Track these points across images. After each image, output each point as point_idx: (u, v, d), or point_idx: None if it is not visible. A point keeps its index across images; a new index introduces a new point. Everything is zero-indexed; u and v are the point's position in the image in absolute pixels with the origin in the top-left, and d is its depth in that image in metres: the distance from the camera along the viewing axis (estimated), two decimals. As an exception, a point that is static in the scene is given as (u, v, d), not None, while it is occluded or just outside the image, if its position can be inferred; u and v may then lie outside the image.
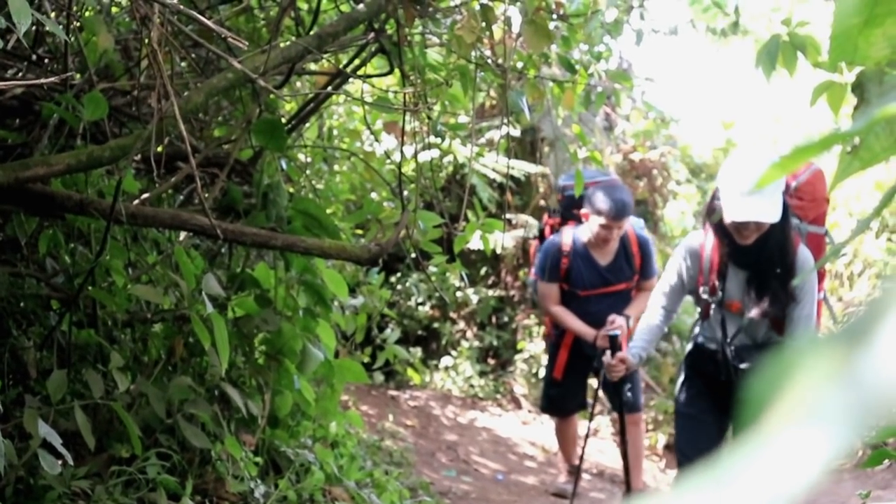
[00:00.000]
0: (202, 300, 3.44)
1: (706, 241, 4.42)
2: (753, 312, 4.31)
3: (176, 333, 3.82)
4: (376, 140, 6.58)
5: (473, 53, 3.82)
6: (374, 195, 7.22)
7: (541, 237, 6.65)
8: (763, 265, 4.20)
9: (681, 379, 4.87)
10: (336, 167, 7.19)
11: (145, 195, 3.38)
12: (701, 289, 4.45)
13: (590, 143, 7.63)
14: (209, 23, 2.71)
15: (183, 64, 4.05)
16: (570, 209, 6.16)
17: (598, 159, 5.88)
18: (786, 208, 4.04)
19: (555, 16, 4.33)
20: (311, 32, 3.79)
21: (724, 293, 4.37)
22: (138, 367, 3.79)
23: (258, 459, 4.13)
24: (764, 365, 0.35)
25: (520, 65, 4.42)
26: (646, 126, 10.94)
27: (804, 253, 4.20)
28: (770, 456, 0.30)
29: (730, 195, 4.04)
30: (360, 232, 6.37)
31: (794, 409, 0.31)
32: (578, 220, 6.06)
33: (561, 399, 6.68)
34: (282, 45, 3.55)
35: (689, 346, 4.83)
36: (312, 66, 4.78)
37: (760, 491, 0.29)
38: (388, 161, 6.54)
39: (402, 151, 4.15)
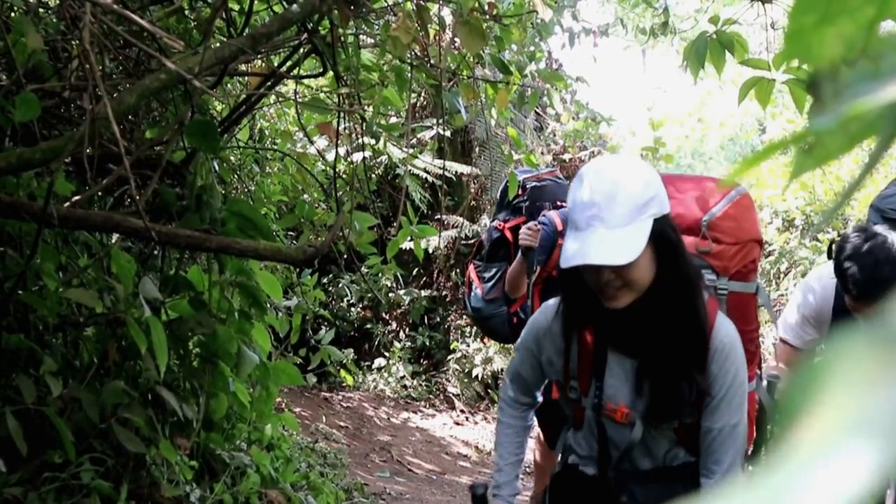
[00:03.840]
0: (138, 303, 3.40)
1: None
2: (645, 421, 2.76)
3: (109, 337, 3.77)
4: (309, 141, 6.56)
5: (408, 54, 3.83)
6: (306, 197, 7.18)
7: (498, 243, 5.92)
8: (656, 347, 2.64)
9: None
10: (268, 169, 7.15)
11: (77, 197, 3.34)
12: (569, 384, 2.86)
13: (523, 145, 7.67)
14: (144, 23, 2.68)
15: (112, 65, 4.00)
16: (536, 202, 5.83)
17: (532, 161, 5.90)
18: (679, 250, 2.55)
19: (487, 16, 4.34)
20: (245, 33, 3.77)
21: (603, 392, 2.76)
22: (71, 372, 3.74)
23: (193, 463, 4.09)
24: (800, 369, 0.32)
25: (453, 66, 4.44)
26: (576, 126, 11.03)
27: (724, 327, 2.65)
28: (815, 470, 0.28)
29: (569, 226, 2.56)
30: (292, 234, 6.34)
31: (834, 417, 0.29)
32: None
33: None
34: (214, 45, 3.52)
35: (555, 468, 3.15)
36: (243, 68, 4.75)
37: None
38: (321, 162, 6.51)
39: (336, 152, 4.14)
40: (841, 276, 3.44)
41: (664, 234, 2.50)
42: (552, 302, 2.89)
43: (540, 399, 3.21)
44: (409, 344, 10.48)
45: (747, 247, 2.97)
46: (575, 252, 2.44)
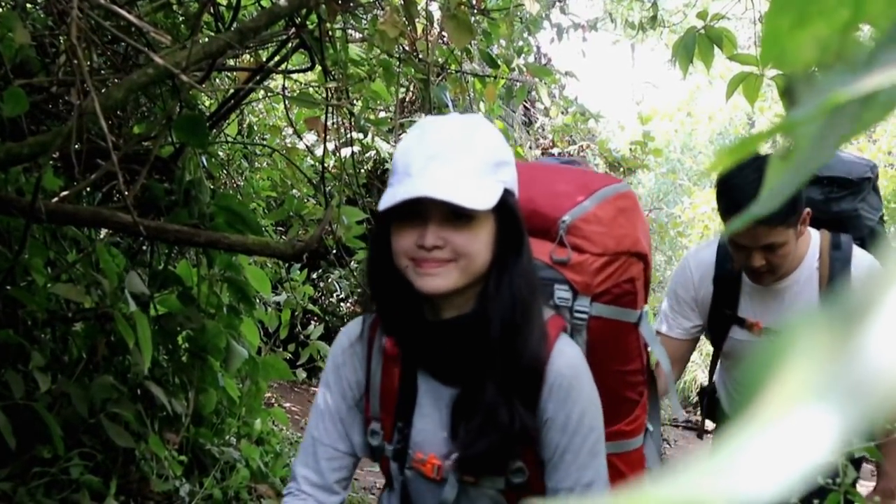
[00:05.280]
0: (125, 298, 3.40)
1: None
2: (460, 476, 2.03)
3: (98, 332, 3.77)
4: (298, 136, 6.56)
5: (396, 48, 3.83)
6: (294, 192, 7.18)
7: None
8: (478, 371, 1.96)
9: None
10: (257, 164, 7.14)
11: (65, 193, 3.33)
12: (370, 427, 2.13)
13: (512, 139, 7.68)
14: (132, 17, 2.68)
15: (99, 60, 3.99)
16: None
17: (521, 155, 5.91)
18: (525, 241, 1.96)
19: (475, 10, 4.35)
20: (233, 28, 3.77)
21: (410, 437, 2.06)
22: (59, 367, 3.74)
23: (183, 458, 4.10)
24: (759, 347, 0.32)
25: (441, 60, 4.44)
26: (565, 121, 11.04)
27: (566, 354, 1.98)
28: (774, 438, 0.28)
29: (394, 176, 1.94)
30: (281, 229, 6.34)
31: (794, 390, 0.29)
32: None
33: None
34: (202, 40, 3.52)
35: None
36: (231, 62, 4.75)
37: (767, 473, 0.27)
38: (309, 157, 6.51)
39: (325, 147, 4.14)
40: (724, 193, 2.95)
41: (513, 214, 1.92)
42: (361, 318, 2.19)
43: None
44: (398, 338, 10.48)
45: (621, 261, 2.18)
46: (401, 192, 1.82)
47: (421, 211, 1.85)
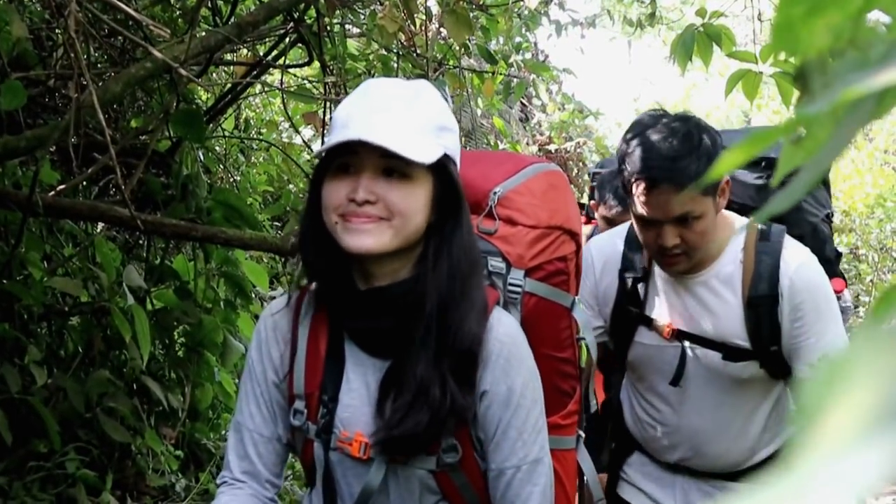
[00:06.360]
0: (122, 292, 3.40)
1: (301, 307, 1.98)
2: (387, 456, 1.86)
3: (94, 327, 3.76)
4: (295, 131, 6.55)
5: (395, 43, 3.83)
6: (291, 187, 7.17)
7: None
8: (408, 343, 1.81)
9: None
10: (253, 158, 7.14)
11: (62, 186, 3.33)
12: (293, 406, 1.92)
13: (509, 135, 7.68)
14: (130, 11, 2.67)
15: (97, 54, 3.99)
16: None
17: (518, 151, 5.91)
18: (463, 209, 1.85)
19: (474, 6, 4.35)
20: (230, 22, 3.76)
21: (336, 413, 1.87)
22: (56, 361, 3.73)
23: (179, 453, 4.10)
24: (818, 367, 0.31)
25: (439, 55, 4.44)
26: (562, 117, 11.04)
27: (504, 323, 1.87)
28: (836, 467, 0.27)
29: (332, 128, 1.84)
30: (277, 224, 6.33)
31: (855, 414, 0.28)
32: None
33: None
34: (200, 34, 3.52)
35: None
36: (229, 57, 4.74)
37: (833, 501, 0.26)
38: (306, 152, 6.51)
39: (322, 142, 4.13)
40: (630, 153, 2.43)
41: (453, 179, 1.80)
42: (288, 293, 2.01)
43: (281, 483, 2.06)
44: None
45: (554, 236, 2.09)
46: (335, 139, 1.70)
47: (355, 163, 1.72)
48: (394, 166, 1.71)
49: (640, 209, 2.41)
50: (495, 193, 2.06)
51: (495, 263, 2.00)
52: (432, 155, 1.72)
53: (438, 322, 1.77)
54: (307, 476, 1.97)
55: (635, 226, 2.54)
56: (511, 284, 2.01)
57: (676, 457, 2.69)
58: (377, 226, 1.71)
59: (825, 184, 3.00)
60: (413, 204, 1.74)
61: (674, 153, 2.35)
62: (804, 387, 0.30)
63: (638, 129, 2.46)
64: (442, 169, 1.76)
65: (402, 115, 1.72)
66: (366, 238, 1.71)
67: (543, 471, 1.84)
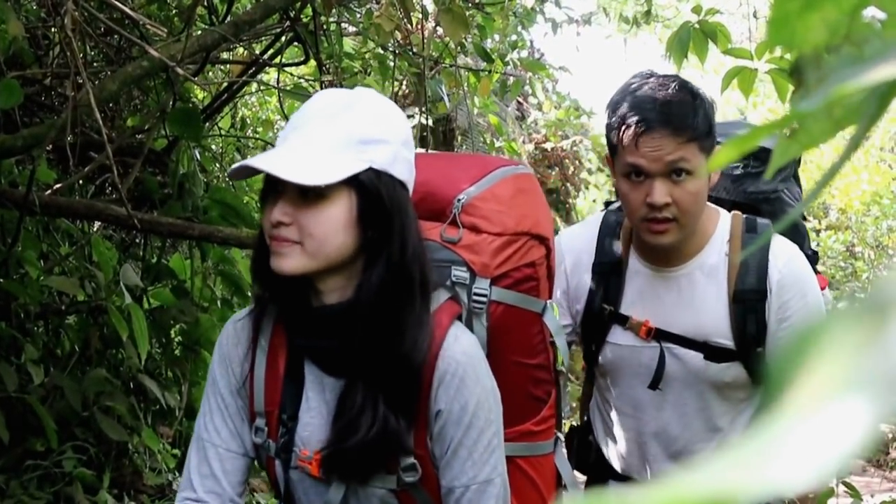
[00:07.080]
0: (119, 291, 3.40)
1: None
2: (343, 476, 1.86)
3: (91, 325, 3.76)
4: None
5: (391, 42, 3.83)
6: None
7: None
8: (354, 363, 1.79)
9: None
10: (250, 157, 7.13)
11: (59, 185, 3.33)
12: (255, 423, 1.90)
13: (505, 133, 7.69)
14: (126, 9, 2.67)
15: (93, 52, 3.98)
16: None
17: (514, 149, 5.92)
18: (396, 226, 1.76)
19: (470, 4, 4.35)
20: (227, 21, 3.76)
21: (296, 432, 1.86)
22: (53, 360, 3.73)
23: (176, 451, 4.09)
24: (789, 339, 0.31)
25: (435, 54, 4.44)
26: (558, 115, 11.04)
27: (460, 341, 1.81)
28: (807, 428, 0.28)
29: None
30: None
31: (824, 381, 0.28)
32: None
33: None
34: (196, 33, 3.52)
35: None
36: (225, 55, 4.74)
37: (802, 462, 0.27)
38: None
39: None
40: (618, 105, 2.27)
41: (377, 195, 1.74)
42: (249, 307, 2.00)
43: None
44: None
45: (521, 242, 2.01)
46: (248, 161, 1.72)
47: (282, 185, 1.70)
48: (307, 187, 1.68)
49: (629, 158, 2.22)
50: (459, 201, 1.99)
51: (459, 273, 1.95)
52: (344, 172, 1.68)
53: (371, 342, 1.75)
54: (275, 489, 1.96)
55: (620, 191, 2.32)
56: (476, 294, 1.95)
57: (654, 469, 2.56)
58: (291, 249, 1.71)
59: (796, 176, 2.84)
60: (325, 226, 1.71)
61: (669, 98, 2.22)
62: (775, 355, 0.31)
63: (628, 82, 2.32)
64: (365, 184, 1.72)
65: (319, 134, 1.71)
66: (282, 261, 1.71)
67: (494, 492, 1.81)
